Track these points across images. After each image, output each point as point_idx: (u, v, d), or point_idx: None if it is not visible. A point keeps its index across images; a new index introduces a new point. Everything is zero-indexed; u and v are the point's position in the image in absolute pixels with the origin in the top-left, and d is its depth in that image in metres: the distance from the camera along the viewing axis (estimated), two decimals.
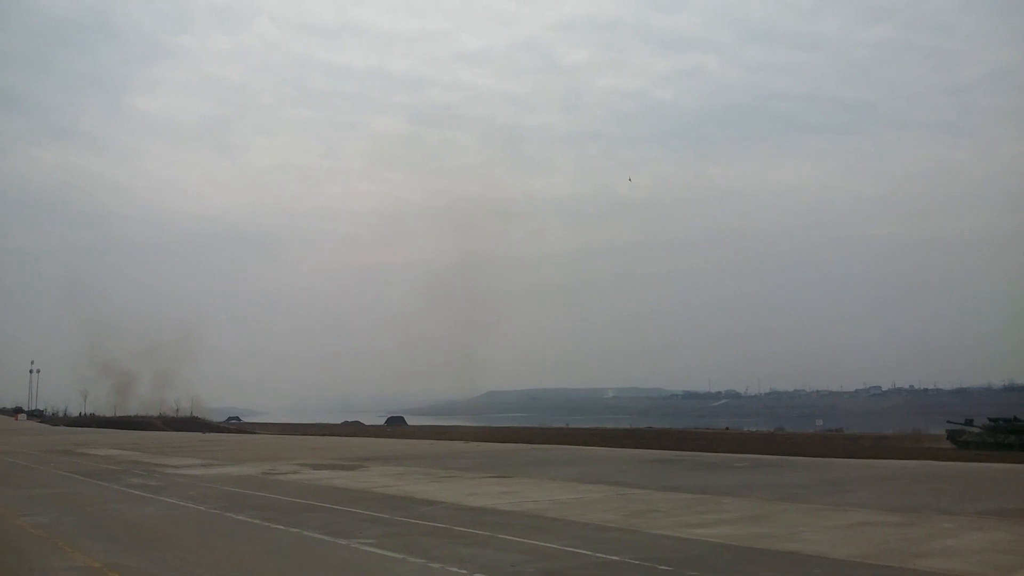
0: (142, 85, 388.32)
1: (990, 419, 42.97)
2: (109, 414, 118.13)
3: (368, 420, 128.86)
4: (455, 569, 10.41)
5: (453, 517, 14.99)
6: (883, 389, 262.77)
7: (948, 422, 45.70)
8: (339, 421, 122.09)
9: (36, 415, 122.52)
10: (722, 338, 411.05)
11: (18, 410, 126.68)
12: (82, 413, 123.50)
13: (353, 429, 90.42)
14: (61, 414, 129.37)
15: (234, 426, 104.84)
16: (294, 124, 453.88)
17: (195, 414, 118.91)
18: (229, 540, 13.36)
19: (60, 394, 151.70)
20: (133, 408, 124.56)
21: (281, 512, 16.08)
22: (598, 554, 11.24)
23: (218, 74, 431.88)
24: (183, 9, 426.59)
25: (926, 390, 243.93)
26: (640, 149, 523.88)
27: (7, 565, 11.44)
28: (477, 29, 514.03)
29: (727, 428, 72.43)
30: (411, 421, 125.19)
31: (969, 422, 43.61)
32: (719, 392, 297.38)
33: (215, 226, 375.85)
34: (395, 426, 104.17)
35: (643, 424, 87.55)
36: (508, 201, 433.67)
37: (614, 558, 10.98)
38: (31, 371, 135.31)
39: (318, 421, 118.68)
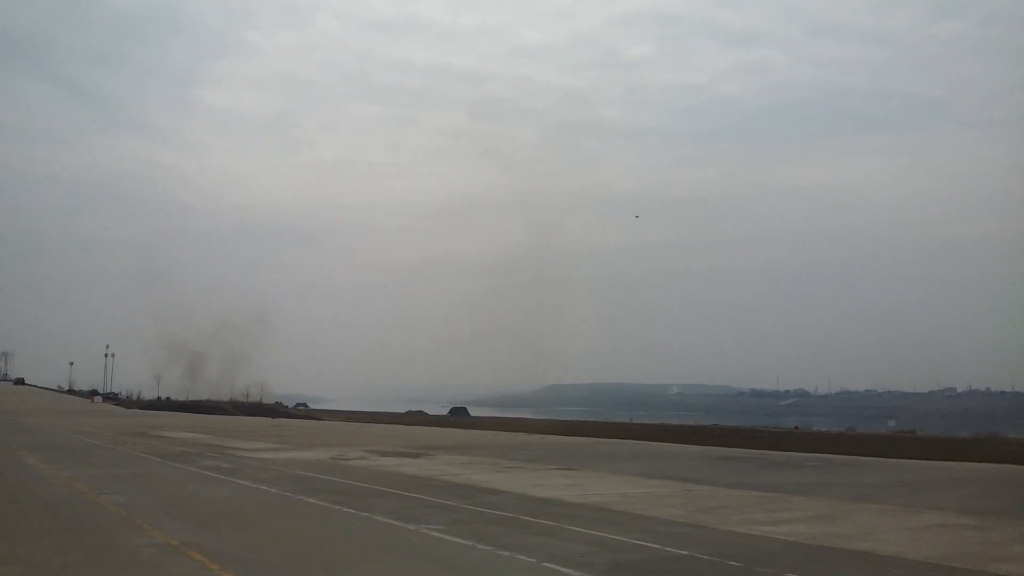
0: (210, 79, 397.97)
1: None
2: (181, 398, 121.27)
3: (431, 410, 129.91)
4: (523, 557, 10.45)
5: (519, 507, 15.05)
6: (958, 391, 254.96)
7: None
8: (403, 410, 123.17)
9: (111, 398, 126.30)
10: (790, 336, 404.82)
11: (94, 393, 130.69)
12: (157, 397, 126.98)
13: (417, 418, 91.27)
14: (135, 397, 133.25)
15: (301, 412, 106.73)
16: (357, 119, 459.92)
17: (263, 400, 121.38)
18: (301, 522, 13.64)
19: (134, 378, 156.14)
20: (203, 392, 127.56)
21: (351, 496, 16.36)
22: (666, 548, 11.17)
23: (283, 69, 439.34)
24: (249, 5, 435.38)
25: (1004, 393, 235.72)
26: (703, 144, 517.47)
27: (90, 541, 11.86)
28: (537, 24, 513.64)
29: (795, 427, 71.12)
30: (474, 412, 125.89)
31: None
32: (787, 391, 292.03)
33: (280, 218, 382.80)
34: (458, 416, 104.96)
35: (708, 421, 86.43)
36: (569, 195, 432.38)
37: (683, 552, 10.90)
38: (106, 355, 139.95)
39: (382, 410, 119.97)
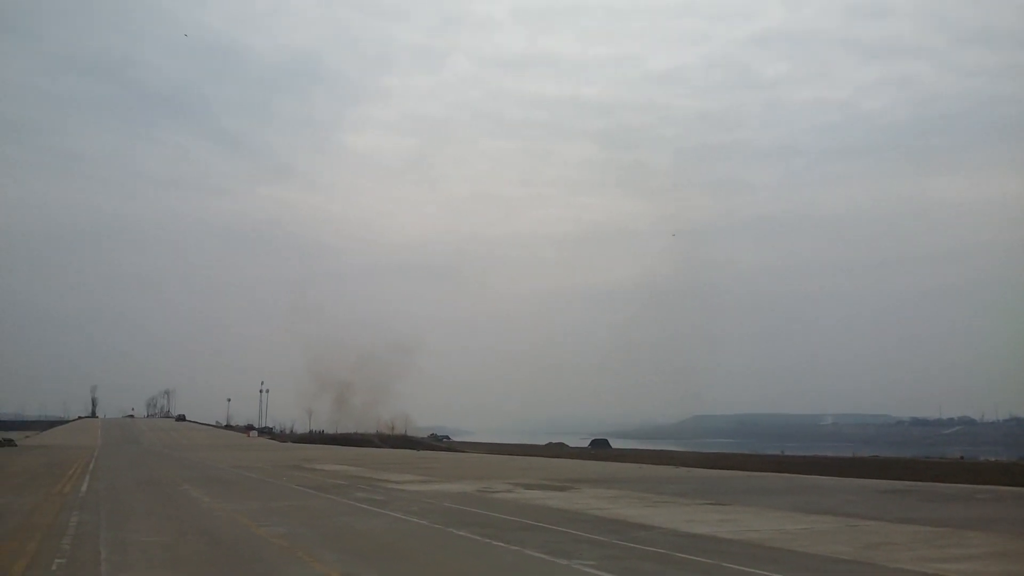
0: (350, 125, 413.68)
1: None
2: (331, 431, 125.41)
3: (571, 442, 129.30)
4: None
5: (672, 543, 14.59)
6: None
7: None
8: (543, 442, 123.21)
9: (266, 432, 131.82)
10: (953, 360, 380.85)
11: (250, 427, 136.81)
12: (309, 430, 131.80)
13: (557, 451, 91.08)
14: (288, 431, 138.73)
15: (444, 445, 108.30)
16: (490, 154, 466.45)
17: (407, 432, 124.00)
18: (454, 555, 13.66)
19: (287, 412, 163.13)
20: (350, 424, 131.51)
21: (500, 529, 16.29)
22: None
23: (418, 110, 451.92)
24: (385, 52, 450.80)
25: None
26: (848, 162, 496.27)
27: (255, 573, 12.23)
28: (668, 49, 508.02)
29: (961, 457, 66.88)
30: (615, 444, 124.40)
31: None
32: (951, 419, 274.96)
33: (419, 254, 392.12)
34: (599, 448, 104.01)
35: (866, 452, 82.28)
36: (709, 219, 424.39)
37: None
38: (261, 391, 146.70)
39: (522, 442, 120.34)
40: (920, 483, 30.27)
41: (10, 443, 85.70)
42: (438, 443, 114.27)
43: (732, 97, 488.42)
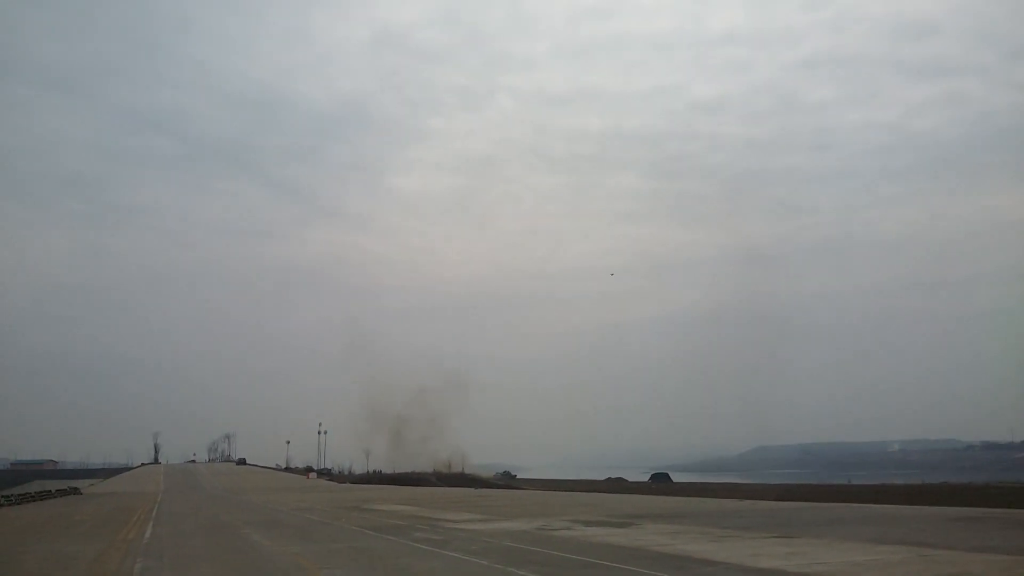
0: (399, 166, 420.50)
1: None
2: (388, 471, 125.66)
3: (631, 476, 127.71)
4: None
5: None
6: None
7: None
8: (602, 477, 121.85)
9: (325, 473, 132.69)
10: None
11: (309, 469, 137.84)
12: (367, 471, 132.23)
13: (617, 485, 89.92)
14: (347, 472, 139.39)
15: (502, 482, 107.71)
16: (537, 189, 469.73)
17: (465, 470, 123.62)
18: None
19: (344, 453, 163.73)
20: (406, 462, 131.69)
21: (561, 568, 16.05)
22: None
23: (464, 149, 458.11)
24: (430, 94, 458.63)
25: None
26: (902, 183, 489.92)
27: None
28: (711, 78, 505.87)
29: None
30: (675, 478, 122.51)
31: None
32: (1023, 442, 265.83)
33: (470, 291, 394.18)
34: (660, 483, 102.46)
35: (936, 479, 79.84)
36: (759, 247, 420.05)
37: None
38: (319, 432, 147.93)
39: (580, 477, 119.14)
40: (994, 510, 29.22)
41: (75, 491, 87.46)
42: (495, 480, 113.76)
43: (780, 123, 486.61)
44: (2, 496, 69.57)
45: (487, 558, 18.21)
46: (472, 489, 75.50)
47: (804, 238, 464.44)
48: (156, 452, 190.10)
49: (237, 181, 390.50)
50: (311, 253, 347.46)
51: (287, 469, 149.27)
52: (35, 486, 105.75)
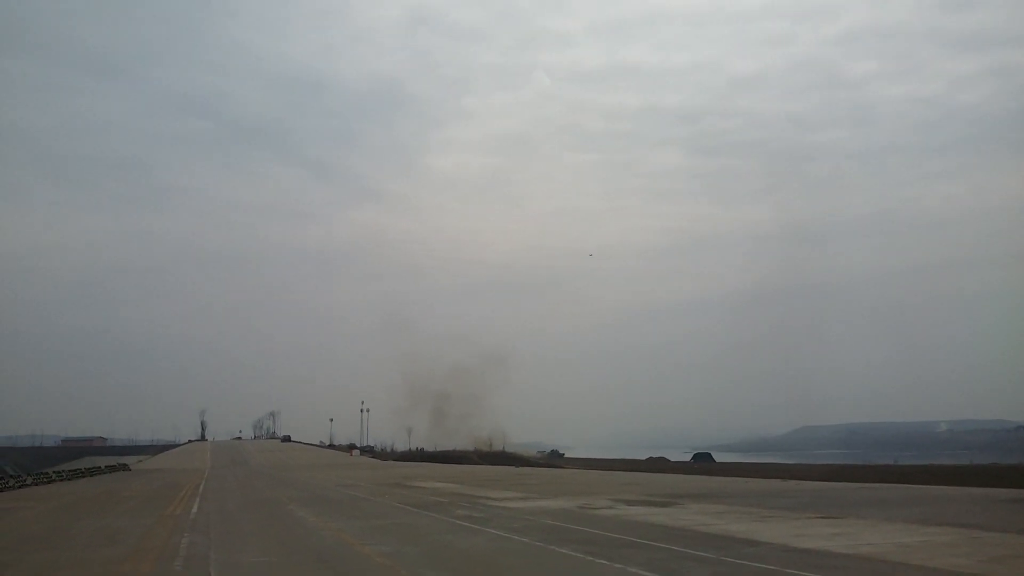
0: (435, 146, 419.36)
1: None
2: (430, 448, 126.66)
3: (673, 456, 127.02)
4: None
5: (782, 559, 14.06)
6: None
7: None
8: (643, 457, 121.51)
9: (367, 451, 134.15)
10: None
11: (352, 447, 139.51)
12: (409, 449, 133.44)
13: (659, 465, 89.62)
14: (389, 449, 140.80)
15: (544, 460, 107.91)
16: (572, 168, 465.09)
17: (506, 449, 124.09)
18: (556, 572, 13.46)
19: (387, 431, 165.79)
20: (447, 439, 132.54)
21: (602, 547, 15.99)
22: None
23: (500, 129, 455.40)
24: (465, 74, 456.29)
25: None
26: (947, 158, 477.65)
27: None
28: (750, 54, 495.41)
29: None
30: (718, 457, 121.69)
31: None
32: None
33: (507, 271, 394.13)
34: (703, 462, 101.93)
35: (984, 460, 78.27)
36: (801, 225, 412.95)
37: None
38: (361, 410, 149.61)
39: (621, 456, 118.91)
40: None
41: (124, 467, 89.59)
42: (537, 459, 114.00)
43: (820, 98, 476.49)
44: (53, 472, 71.43)
45: (528, 536, 18.23)
46: (513, 468, 75.80)
47: (846, 215, 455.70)
48: (203, 429, 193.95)
49: (275, 162, 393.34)
50: (349, 234, 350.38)
51: (330, 446, 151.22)
52: (85, 462, 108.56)
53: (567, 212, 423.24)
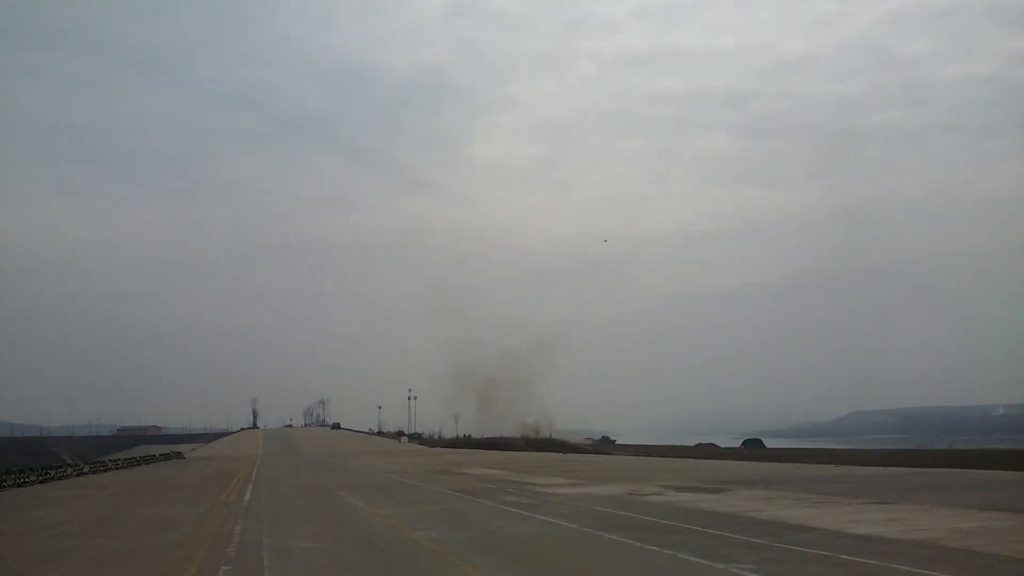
0: (479, 135, 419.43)
1: None
2: (477, 435, 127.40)
3: (722, 442, 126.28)
4: None
5: (835, 545, 13.83)
6: None
7: None
8: (692, 443, 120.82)
9: (415, 438, 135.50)
10: None
11: (400, 434, 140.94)
12: (456, 435, 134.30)
13: (708, 451, 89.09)
14: (436, 436, 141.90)
15: (591, 447, 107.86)
16: (619, 154, 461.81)
17: (553, 435, 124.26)
18: (606, 559, 13.38)
19: (434, 418, 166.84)
20: (493, 427, 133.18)
21: (652, 533, 15.89)
22: None
23: (544, 116, 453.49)
24: (509, 61, 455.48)
25: None
26: (1005, 138, 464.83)
27: None
28: (799, 35, 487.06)
29: None
30: (769, 443, 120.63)
31: None
32: None
33: (554, 258, 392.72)
34: (753, 448, 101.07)
35: None
36: (852, 207, 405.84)
37: None
38: (409, 398, 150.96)
39: (670, 443, 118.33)
40: None
41: (179, 456, 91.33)
42: (607, 446, 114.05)
43: (871, 79, 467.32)
44: (110, 460, 73.14)
45: (577, 522, 18.19)
46: (560, 454, 75.81)
47: (899, 197, 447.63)
48: (254, 417, 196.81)
49: (321, 154, 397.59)
50: (395, 223, 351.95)
51: (379, 433, 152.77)
52: (140, 451, 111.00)
53: (614, 198, 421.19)
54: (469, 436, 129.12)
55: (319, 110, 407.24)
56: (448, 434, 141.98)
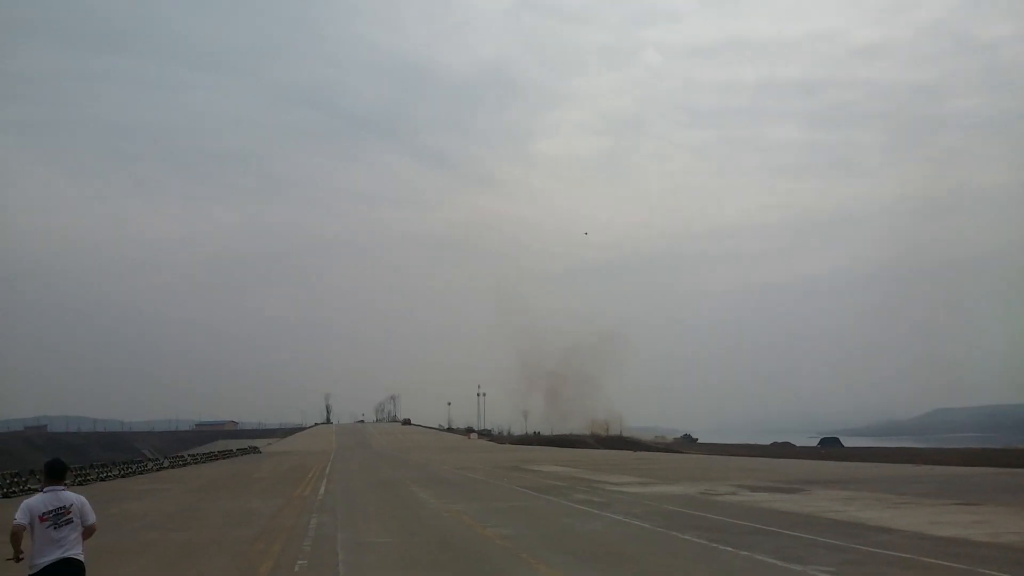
0: (545, 129, 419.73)
1: None
2: (546, 432, 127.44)
3: (798, 441, 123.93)
4: None
5: (917, 547, 13.42)
6: None
7: None
8: (767, 442, 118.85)
9: (485, 434, 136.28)
10: None
11: (470, 430, 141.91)
12: (525, 432, 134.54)
13: (783, 450, 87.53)
14: (505, 433, 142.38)
15: (662, 445, 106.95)
16: (686, 146, 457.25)
17: (622, 433, 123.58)
18: (680, 559, 13.20)
19: (502, 415, 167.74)
20: (562, 423, 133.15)
21: (726, 533, 15.63)
22: None
23: (611, 109, 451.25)
24: (573, 55, 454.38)
25: None
26: None
27: (483, 574, 12.38)
28: (872, 21, 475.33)
29: None
30: (846, 442, 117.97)
31: None
32: None
33: (619, 252, 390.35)
34: (830, 447, 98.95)
35: None
36: (930, 197, 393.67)
37: None
38: (478, 394, 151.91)
39: (744, 442, 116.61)
40: None
41: (255, 450, 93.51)
42: (690, 444, 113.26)
43: (947, 65, 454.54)
44: (188, 455, 75.19)
45: (649, 521, 18.00)
46: (631, 452, 75.29)
47: (979, 186, 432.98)
48: (328, 413, 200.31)
49: (388, 151, 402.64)
50: (462, 218, 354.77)
51: (449, 430, 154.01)
52: (218, 446, 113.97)
53: (681, 191, 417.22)
54: (538, 433, 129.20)
55: (385, 108, 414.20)
56: (517, 431, 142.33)
